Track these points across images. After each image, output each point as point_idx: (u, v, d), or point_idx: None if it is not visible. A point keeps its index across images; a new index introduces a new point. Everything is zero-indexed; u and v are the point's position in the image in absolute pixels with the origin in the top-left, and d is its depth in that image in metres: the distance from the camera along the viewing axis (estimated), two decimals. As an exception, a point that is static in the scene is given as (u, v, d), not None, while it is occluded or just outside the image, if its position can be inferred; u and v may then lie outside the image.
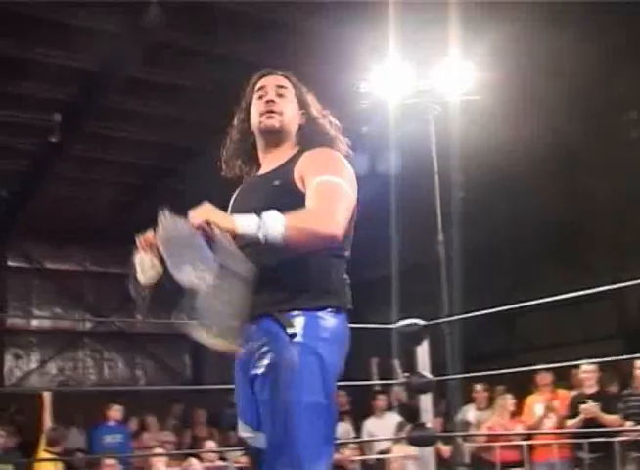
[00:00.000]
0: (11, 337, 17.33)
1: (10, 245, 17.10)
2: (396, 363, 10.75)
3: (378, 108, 10.77)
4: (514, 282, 14.28)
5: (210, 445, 9.39)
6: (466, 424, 10.13)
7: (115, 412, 10.15)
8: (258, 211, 2.89)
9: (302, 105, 3.37)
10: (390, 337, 12.95)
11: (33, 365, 17.60)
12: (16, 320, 17.69)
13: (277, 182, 3.17)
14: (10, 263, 17.35)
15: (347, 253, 3.25)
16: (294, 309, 3.01)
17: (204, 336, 2.72)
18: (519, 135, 11.37)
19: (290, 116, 3.33)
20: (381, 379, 12.72)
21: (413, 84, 10.25)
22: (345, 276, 3.22)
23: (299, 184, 3.12)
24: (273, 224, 2.84)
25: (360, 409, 11.30)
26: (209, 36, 10.97)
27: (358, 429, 10.74)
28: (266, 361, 2.97)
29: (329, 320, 3.06)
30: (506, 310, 6.63)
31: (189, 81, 12.46)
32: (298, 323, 2.99)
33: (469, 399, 10.31)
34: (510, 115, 11.15)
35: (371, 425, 10.47)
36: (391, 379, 10.39)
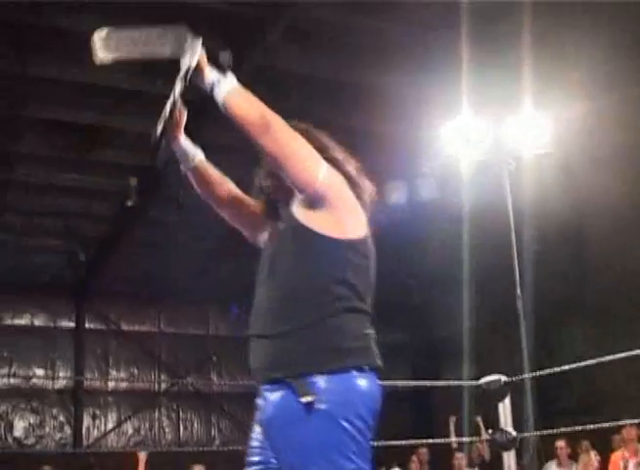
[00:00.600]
0: (89, 397, 17.59)
1: (87, 307, 17.42)
2: (479, 420, 10.69)
3: (452, 165, 10.84)
4: (596, 334, 14.09)
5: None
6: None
7: (198, 472, 10.23)
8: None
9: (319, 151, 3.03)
10: (462, 394, 13.06)
11: (110, 425, 17.82)
12: (93, 381, 17.93)
13: (282, 227, 3.11)
14: (88, 325, 17.67)
15: (367, 307, 2.99)
16: (311, 373, 2.78)
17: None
18: (594, 187, 11.36)
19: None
20: (457, 436, 12.64)
21: (487, 140, 10.29)
22: (369, 331, 2.97)
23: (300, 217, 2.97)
24: (228, 84, 2.88)
25: (441, 468, 11.26)
26: (281, 99, 11.08)
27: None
28: (280, 437, 2.82)
29: (353, 381, 2.83)
30: (588, 364, 6.63)
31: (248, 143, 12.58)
32: (318, 388, 2.76)
33: (550, 456, 10.23)
34: (584, 167, 11.15)
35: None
36: (471, 436, 10.34)
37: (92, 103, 11.31)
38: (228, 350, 18.47)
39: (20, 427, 17.24)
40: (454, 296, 13.37)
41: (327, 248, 2.95)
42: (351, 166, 3.13)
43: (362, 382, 2.86)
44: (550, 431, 8.26)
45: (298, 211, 3.01)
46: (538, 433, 8.26)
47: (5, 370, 17.53)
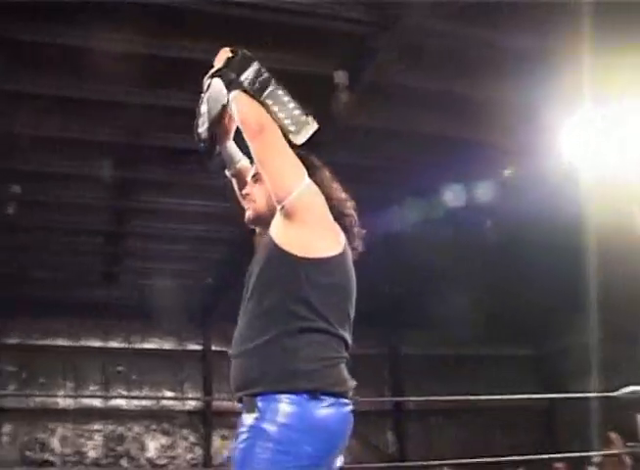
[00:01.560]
0: (218, 418, 17.85)
1: (214, 329, 17.72)
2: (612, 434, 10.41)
3: (572, 172, 10.59)
4: None
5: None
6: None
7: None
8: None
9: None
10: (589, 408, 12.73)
11: (240, 445, 17.96)
12: (221, 402, 18.18)
13: (264, 240, 3.23)
14: (214, 347, 17.98)
15: (331, 327, 3.00)
16: (260, 393, 2.88)
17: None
18: None
19: (265, 197, 3.25)
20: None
21: (610, 144, 10.01)
22: (329, 354, 2.99)
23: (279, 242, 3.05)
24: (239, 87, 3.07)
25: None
26: (383, 113, 10.99)
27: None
28: (238, 445, 2.91)
29: (293, 405, 2.84)
30: None
31: (366, 160, 12.55)
32: (261, 407, 2.85)
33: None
34: None
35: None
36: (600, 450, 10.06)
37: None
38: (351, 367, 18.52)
39: (152, 448, 17.64)
40: (577, 306, 13.13)
41: (289, 265, 3.00)
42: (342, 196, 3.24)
43: (312, 407, 2.85)
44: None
45: (275, 223, 3.11)
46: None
47: (136, 393, 17.99)
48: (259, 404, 2.86)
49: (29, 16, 8.38)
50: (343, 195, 3.26)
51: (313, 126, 3.14)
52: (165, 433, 17.89)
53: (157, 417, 17.94)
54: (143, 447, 17.65)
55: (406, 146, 11.54)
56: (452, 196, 12.53)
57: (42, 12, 8.33)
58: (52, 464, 16.90)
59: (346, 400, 2.99)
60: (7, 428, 17.09)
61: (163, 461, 17.55)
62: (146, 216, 14.15)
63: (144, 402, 17.96)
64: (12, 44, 8.89)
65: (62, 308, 16.88)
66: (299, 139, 3.09)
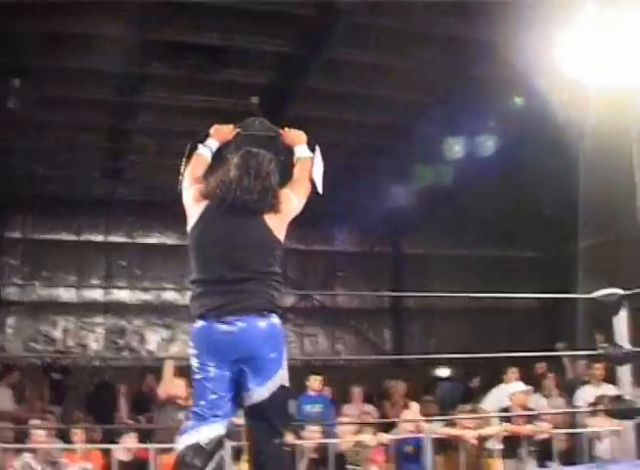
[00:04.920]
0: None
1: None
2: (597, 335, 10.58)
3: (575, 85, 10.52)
4: None
5: (406, 414, 9.58)
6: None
7: (315, 382, 10.42)
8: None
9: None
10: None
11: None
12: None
13: None
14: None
15: (203, 275, 4.22)
16: None
17: None
18: None
19: None
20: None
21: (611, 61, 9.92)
22: (196, 292, 4.20)
23: None
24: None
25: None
26: (404, 14, 10.93)
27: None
28: None
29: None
30: None
31: (387, 61, 12.51)
32: None
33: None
34: None
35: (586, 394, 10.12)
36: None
37: (216, 24, 11.41)
38: (355, 265, 18.77)
39: (152, 341, 17.93)
40: (578, 212, 13.23)
41: None
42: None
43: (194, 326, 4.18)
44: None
45: None
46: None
47: (138, 286, 18.21)
48: None
49: None
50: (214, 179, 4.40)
51: None
52: (166, 326, 18.18)
53: (158, 311, 18.21)
54: (144, 340, 17.95)
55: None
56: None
57: None
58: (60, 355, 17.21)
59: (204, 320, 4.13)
60: (11, 320, 17.40)
61: (163, 354, 17.84)
62: (150, 113, 14.10)
63: (145, 296, 18.19)
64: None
65: (65, 203, 17.02)
66: None
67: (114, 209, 17.59)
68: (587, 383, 10.40)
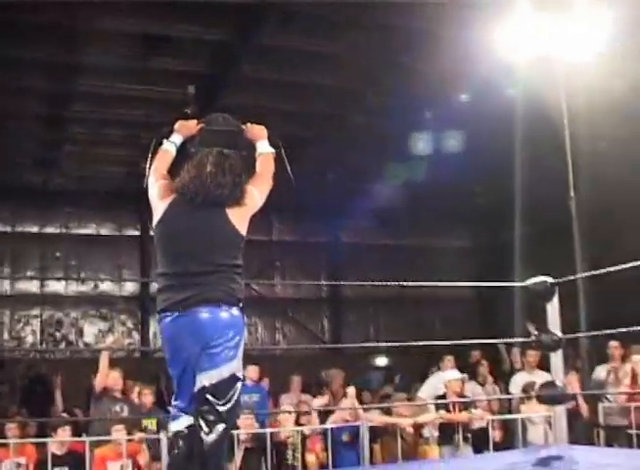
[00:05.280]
0: (155, 304, 17.90)
1: (151, 215, 17.59)
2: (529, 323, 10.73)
3: (508, 64, 10.65)
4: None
5: (344, 403, 9.60)
6: (601, 384, 10.05)
7: (252, 372, 10.41)
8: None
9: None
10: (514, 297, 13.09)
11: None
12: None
13: None
14: (152, 233, 17.91)
15: (169, 269, 4.27)
16: None
17: None
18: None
19: None
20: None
21: (544, 37, 10.04)
22: (162, 286, 4.27)
23: None
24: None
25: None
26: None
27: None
28: None
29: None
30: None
31: (321, 48, 12.50)
32: None
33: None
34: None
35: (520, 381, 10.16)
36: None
37: (151, 12, 11.32)
38: (291, 255, 18.79)
39: (89, 333, 17.76)
40: (514, 200, 13.38)
41: None
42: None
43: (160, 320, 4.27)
44: (596, 332, 8.20)
45: None
46: (583, 335, 8.21)
47: (74, 278, 18.03)
48: None
49: None
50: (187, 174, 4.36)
51: None
52: (103, 318, 18.03)
53: (94, 302, 18.04)
54: (81, 333, 17.77)
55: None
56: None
57: None
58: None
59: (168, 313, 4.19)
60: (-58, 314, 17.09)
61: (101, 346, 17.68)
62: (86, 102, 13.95)
63: (82, 288, 18.00)
64: None
65: (-1, 194, 16.72)
66: None
67: (50, 199, 17.32)
68: (521, 370, 10.53)
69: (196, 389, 4.07)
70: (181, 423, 4.13)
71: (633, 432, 8.93)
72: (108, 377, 9.14)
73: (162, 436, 8.03)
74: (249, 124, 4.79)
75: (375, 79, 13.24)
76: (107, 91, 13.51)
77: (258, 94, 13.74)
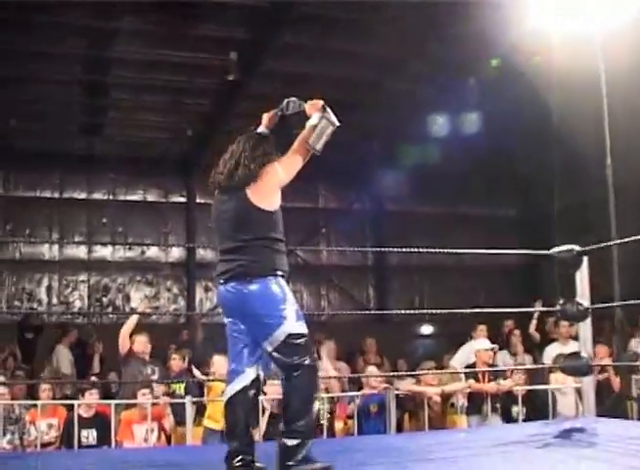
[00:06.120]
0: (201, 270, 18.10)
1: (198, 182, 17.75)
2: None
3: (542, 37, 10.45)
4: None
5: (371, 370, 9.56)
6: (635, 355, 9.87)
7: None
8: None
9: None
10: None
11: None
12: (205, 254, 18.33)
13: None
14: (198, 200, 18.05)
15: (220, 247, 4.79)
16: None
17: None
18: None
19: None
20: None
21: (578, 8, 9.82)
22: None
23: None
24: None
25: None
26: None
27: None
28: None
29: None
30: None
31: (363, 15, 12.38)
32: None
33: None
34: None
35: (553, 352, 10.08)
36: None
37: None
38: (337, 222, 18.71)
39: (136, 298, 17.89)
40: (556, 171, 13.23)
41: None
42: None
43: None
44: (629, 302, 8.03)
45: None
46: (613, 305, 8.02)
47: (121, 244, 18.15)
48: None
49: None
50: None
51: None
52: (149, 284, 18.15)
53: (141, 268, 18.17)
54: (127, 298, 17.92)
55: None
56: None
57: None
58: (39, 314, 17.13)
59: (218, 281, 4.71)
60: (-7, 278, 17.35)
61: (147, 311, 17.82)
62: (126, 67, 13.96)
63: (128, 254, 18.13)
64: None
65: (46, 160, 16.83)
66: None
67: (96, 165, 17.38)
68: (555, 340, 10.39)
69: (265, 354, 4.57)
70: (238, 383, 4.61)
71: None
72: (132, 341, 9.26)
73: (188, 400, 8.12)
74: (309, 102, 4.99)
75: (418, 48, 13.10)
76: (148, 57, 13.51)
77: (299, 61, 13.66)
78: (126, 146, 17.20)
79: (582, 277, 7.29)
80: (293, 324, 4.51)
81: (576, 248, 7.11)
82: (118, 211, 17.93)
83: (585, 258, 7.23)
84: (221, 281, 4.64)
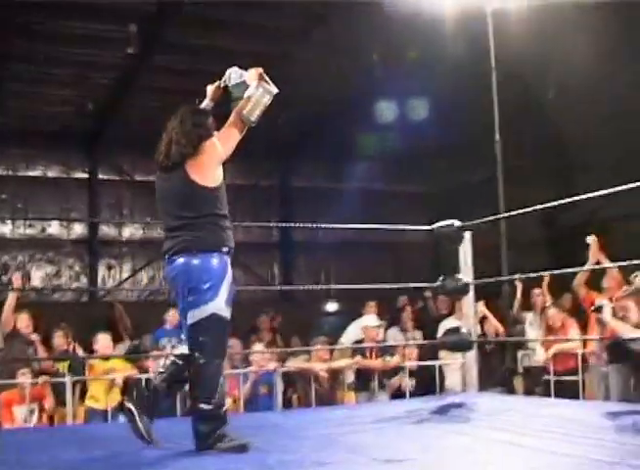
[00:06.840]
0: (104, 248, 17.85)
1: (100, 158, 17.43)
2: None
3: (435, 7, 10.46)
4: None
5: (258, 347, 9.51)
6: (522, 331, 9.96)
7: (172, 317, 10.24)
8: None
9: None
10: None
11: (125, 275, 18.20)
12: (108, 231, 18.06)
13: None
14: (101, 176, 17.74)
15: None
16: None
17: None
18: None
19: None
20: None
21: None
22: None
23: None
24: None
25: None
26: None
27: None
28: None
29: None
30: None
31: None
32: None
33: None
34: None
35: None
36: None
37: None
38: (242, 198, 18.56)
39: (37, 277, 17.52)
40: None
41: None
42: None
43: None
44: (512, 277, 8.07)
45: None
46: (492, 280, 8.03)
47: (21, 221, 17.73)
48: None
49: None
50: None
51: None
52: (50, 262, 17.77)
53: (42, 246, 17.76)
54: (28, 276, 17.51)
55: None
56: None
57: None
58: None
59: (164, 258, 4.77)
60: None
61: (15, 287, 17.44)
62: (26, 39, 13.57)
63: (29, 231, 17.69)
64: None
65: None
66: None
67: (-5, 140, 16.93)
68: (449, 316, 10.42)
69: (186, 324, 4.62)
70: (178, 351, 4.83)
71: (551, 378, 8.77)
72: (14, 318, 8.97)
73: (68, 379, 7.95)
74: (250, 70, 4.98)
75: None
76: (51, 29, 13.14)
77: (204, 33, 13.42)
78: (27, 120, 16.73)
79: (465, 252, 7.30)
80: (221, 306, 4.57)
81: (457, 223, 7.11)
82: (19, 186, 17.46)
83: (468, 234, 7.25)
84: (166, 257, 4.70)
